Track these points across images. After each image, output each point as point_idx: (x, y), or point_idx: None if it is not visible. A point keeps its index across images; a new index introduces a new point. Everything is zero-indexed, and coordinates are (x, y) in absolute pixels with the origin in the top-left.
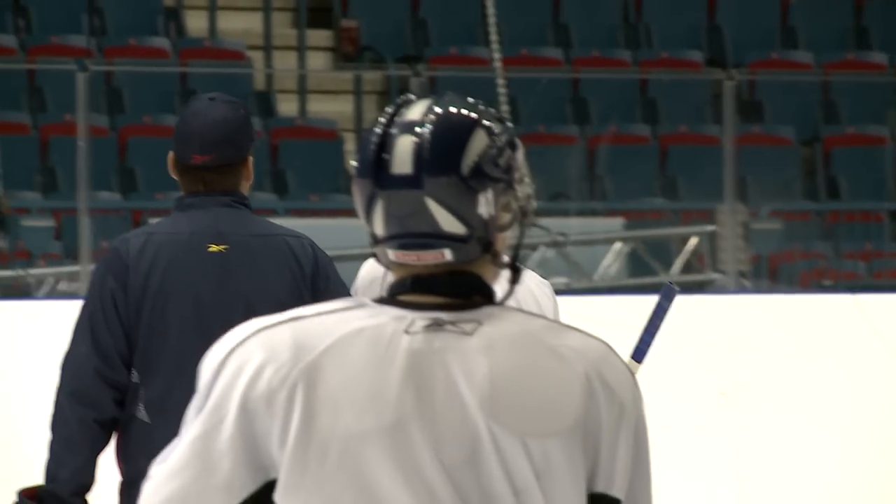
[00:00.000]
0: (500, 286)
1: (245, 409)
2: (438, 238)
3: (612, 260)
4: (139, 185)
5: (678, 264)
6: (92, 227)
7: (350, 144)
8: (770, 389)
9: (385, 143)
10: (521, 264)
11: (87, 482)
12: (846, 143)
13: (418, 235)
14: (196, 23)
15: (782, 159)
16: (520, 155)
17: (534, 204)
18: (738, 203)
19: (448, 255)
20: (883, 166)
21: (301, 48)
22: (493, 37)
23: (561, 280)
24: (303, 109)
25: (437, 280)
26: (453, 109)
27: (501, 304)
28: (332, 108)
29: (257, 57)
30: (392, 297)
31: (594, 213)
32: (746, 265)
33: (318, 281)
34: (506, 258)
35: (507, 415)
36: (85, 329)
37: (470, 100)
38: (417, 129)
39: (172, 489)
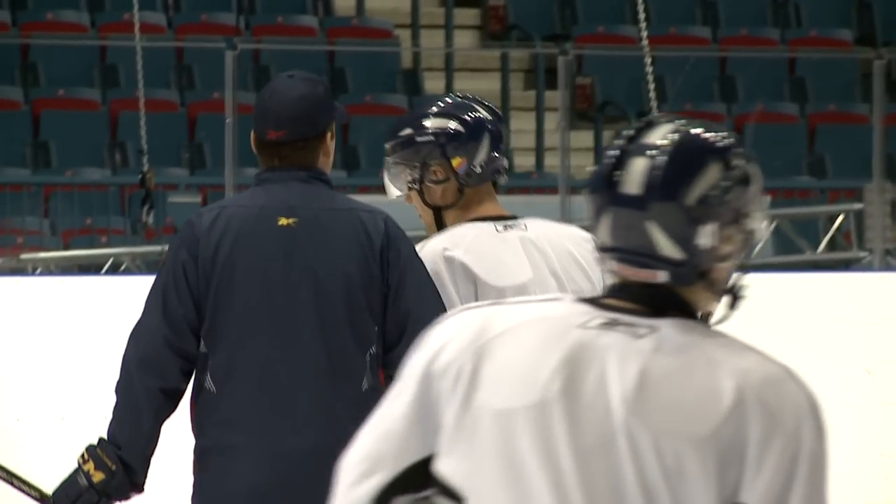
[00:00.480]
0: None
1: (425, 378)
2: (655, 259)
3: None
4: None
5: (825, 242)
6: None
7: None
8: None
9: (620, 161)
10: (741, 291)
11: (147, 449)
12: None
13: (637, 254)
14: (344, 1)
15: None
16: (754, 189)
17: (759, 235)
18: (887, 181)
19: (662, 276)
20: None
21: (448, 26)
22: (641, 15)
23: None
24: (449, 87)
25: (638, 288)
26: (694, 137)
27: (706, 322)
28: (478, 87)
29: (405, 35)
30: (595, 299)
31: None
32: (893, 243)
33: (387, 255)
34: (726, 284)
35: (647, 411)
36: (157, 299)
37: (716, 129)
38: (652, 153)
39: (360, 448)
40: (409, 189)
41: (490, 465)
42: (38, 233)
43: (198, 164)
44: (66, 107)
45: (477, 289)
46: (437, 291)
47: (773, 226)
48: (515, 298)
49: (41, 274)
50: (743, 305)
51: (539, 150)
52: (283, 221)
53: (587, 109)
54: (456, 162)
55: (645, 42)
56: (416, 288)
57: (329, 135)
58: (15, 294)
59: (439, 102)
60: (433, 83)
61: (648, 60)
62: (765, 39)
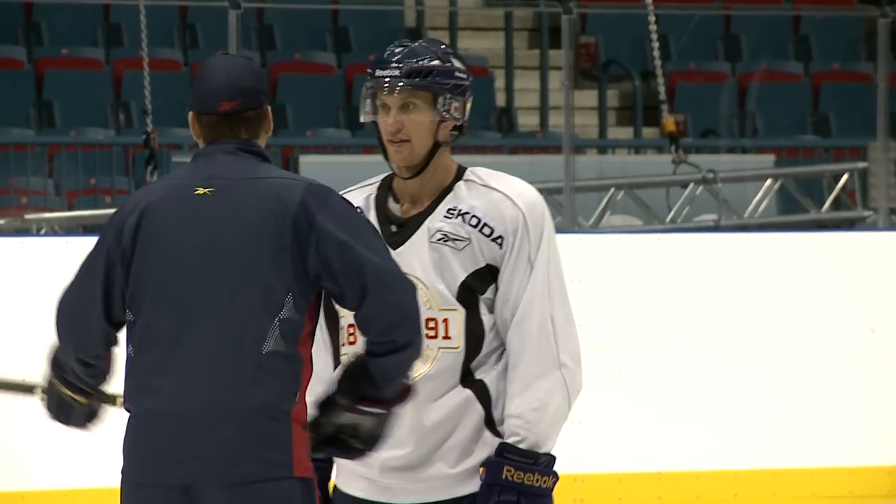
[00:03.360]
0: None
1: None
2: None
3: (762, 197)
4: (289, 122)
5: (829, 201)
6: None
7: (500, 82)
8: None
9: None
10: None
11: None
12: None
13: None
14: None
15: None
16: None
17: None
18: (891, 140)
19: None
20: None
21: None
22: None
23: (710, 217)
24: (453, 46)
25: None
26: None
27: None
28: (482, 46)
29: None
30: None
31: (744, 150)
32: None
33: (300, 224)
34: None
35: None
36: (83, 272)
37: None
38: None
39: None
40: (442, 118)
41: None
42: (42, 193)
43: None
44: (70, 66)
45: None
46: (372, 237)
47: (777, 185)
48: None
49: (45, 234)
50: (749, 265)
51: (543, 110)
52: (199, 191)
53: (591, 69)
54: (468, 106)
55: (649, 0)
56: (348, 248)
57: (267, 110)
58: (19, 254)
59: (444, 45)
60: None
61: (652, 19)
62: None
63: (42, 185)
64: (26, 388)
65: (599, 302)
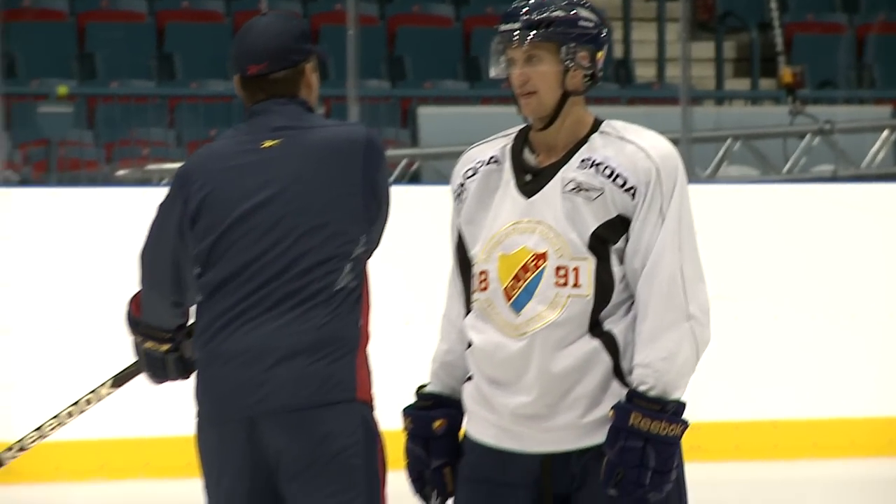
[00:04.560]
0: None
1: None
2: None
3: (879, 148)
4: (407, 73)
5: None
6: (360, 115)
7: (618, 33)
8: None
9: None
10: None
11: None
12: None
13: None
14: None
15: None
16: None
17: None
18: None
19: None
20: None
21: None
22: None
23: (828, 167)
24: None
25: None
26: None
27: None
28: None
29: None
30: None
31: (862, 101)
32: None
33: (368, 171)
34: None
35: None
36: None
37: None
38: None
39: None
40: (567, 68)
41: None
42: (163, 144)
43: (321, 76)
44: (190, 19)
45: None
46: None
47: (894, 136)
48: None
49: (166, 184)
50: (866, 215)
51: (661, 61)
52: (267, 144)
53: (708, 20)
54: (600, 55)
55: None
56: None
57: (309, 68)
58: (141, 204)
59: None
60: None
61: None
62: None
63: (163, 136)
64: (134, 369)
65: (716, 252)
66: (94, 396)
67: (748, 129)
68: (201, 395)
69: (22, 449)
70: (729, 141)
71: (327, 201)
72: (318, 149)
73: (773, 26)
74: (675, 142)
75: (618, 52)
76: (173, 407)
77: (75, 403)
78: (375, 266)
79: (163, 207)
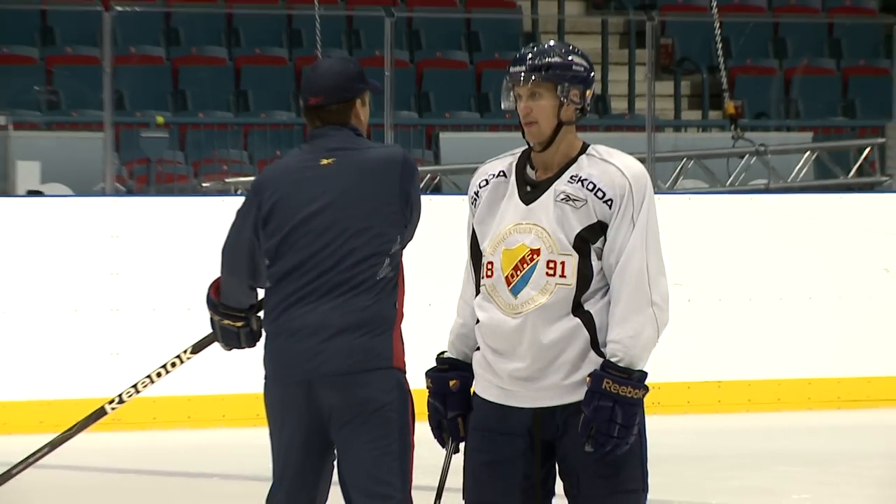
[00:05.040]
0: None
1: None
2: None
3: (802, 165)
4: (431, 106)
5: (854, 169)
6: (394, 139)
7: (597, 75)
8: None
9: None
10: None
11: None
12: None
13: None
14: None
15: None
16: None
17: None
18: None
19: None
20: None
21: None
22: None
23: (762, 181)
24: None
25: None
26: None
27: None
28: (583, 46)
29: (525, 6)
30: None
31: (789, 128)
32: None
33: (404, 185)
34: None
35: None
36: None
37: None
38: None
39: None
40: (562, 102)
41: None
42: (238, 162)
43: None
44: (261, 62)
45: None
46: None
47: (814, 156)
48: None
49: (242, 194)
50: (789, 219)
51: (631, 97)
52: (324, 161)
53: (668, 64)
54: (588, 93)
55: (714, 11)
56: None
57: (359, 102)
58: (221, 210)
59: (570, 46)
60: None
61: (717, 25)
62: (810, 8)
63: (239, 156)
64: (209, 339)
65: (674, 248)
66: (177, 360)
67: (699, 151)
68: (269, 361)
69: (121, 401)
70: (684, 160)
71: (371, 209)
72: (364, 166)
73: (719, 69)
74: (642, 160)
75: (597, 89)
76: (245, 369)
77: (163, 366)
78: (407, 260)
79: (241, 211)
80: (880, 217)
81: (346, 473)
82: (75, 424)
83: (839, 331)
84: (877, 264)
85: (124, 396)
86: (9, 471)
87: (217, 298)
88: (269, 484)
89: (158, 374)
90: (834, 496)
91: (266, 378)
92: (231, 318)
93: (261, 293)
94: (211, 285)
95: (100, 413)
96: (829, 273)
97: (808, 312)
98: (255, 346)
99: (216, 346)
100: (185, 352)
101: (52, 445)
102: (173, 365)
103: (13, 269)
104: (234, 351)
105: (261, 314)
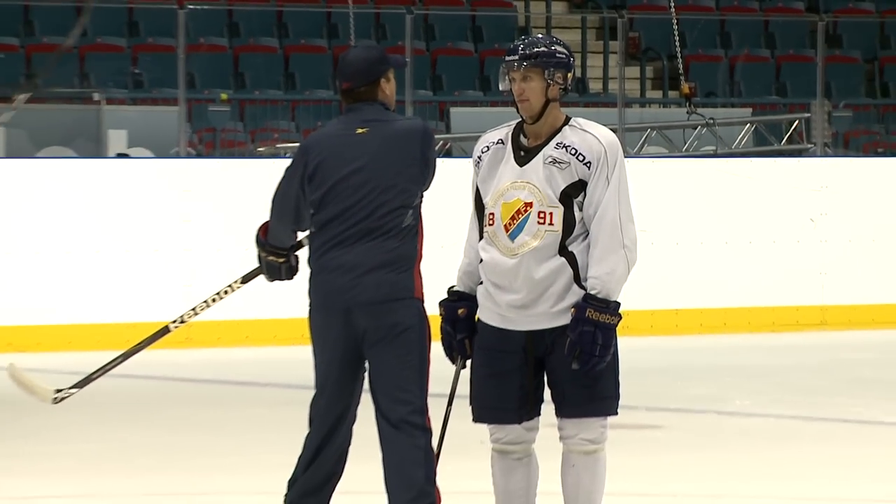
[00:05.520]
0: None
1: None
2: None
3: (743, 135)
4: (444, 86)
5: (786, 138)
6: (414, 113)
7: (578, 61)
8: (845, 218)
9: None
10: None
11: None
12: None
13: None
14: None
15: (853, 72)
16: None
17: None
18: (825, 99)
19: None
20: None
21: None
22: None
23: (710, 148)
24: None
25: None
26: None
27: None
28: (567, 38)
29: (520, 6)
30: None
31: (733, 105)
32: (829, 139)
33: (424, 149)
34: None
35: None
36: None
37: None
38: None
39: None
40: (548, 84)
41: None
42: (287, 131)
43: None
44: (305, 50)
45: None
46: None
47: (752, 128)
48: None
49: (288, 156)
50: (732, 178)
51: (605, 79)
52: (359, 130)
53: (635, 53)
54: (569, 75)
55: (673, 9)
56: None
57: (383, 80)
58: (272, 169)
59: (554, 38)
60: None
61: (675, 22)
62: (750, 8)
63: (287, 126)
64: (255, 272)
65: (640, 201)
66: (228, 289)
67: (660, 123)
68: (313, 293)
69: (182, 321)
70: (648, 131)
71: (397, 170)
72: (391, 135)
73: (676, 57)
74: (614, 130)
75: (577, 73)
76: (293, 298)
77: (217, 293)
78: (425, 211)
79: (289, 169)
80: (806, 177)
81: (375, 383)
82: (143, 339)
83: (774, 268)
84: (804, 215)
85: (185, 317)
86: (88, 376)
87: (265, 238)
88: (313, 392)
89: (213, 300)
90: (768, 402)
91: (310, 306)
92: (275, 255)
93: (300, 236)
94: (260, 227)
95: (164, 331)
96: (765, 222)
97: (749, 254)
98: (293, 279)
99: (261, 278)
100: (235, 282)
101: (125, 356)
102: (225, 293)
103: (105, 217)
104: (277, 283)
105: (298, 253)
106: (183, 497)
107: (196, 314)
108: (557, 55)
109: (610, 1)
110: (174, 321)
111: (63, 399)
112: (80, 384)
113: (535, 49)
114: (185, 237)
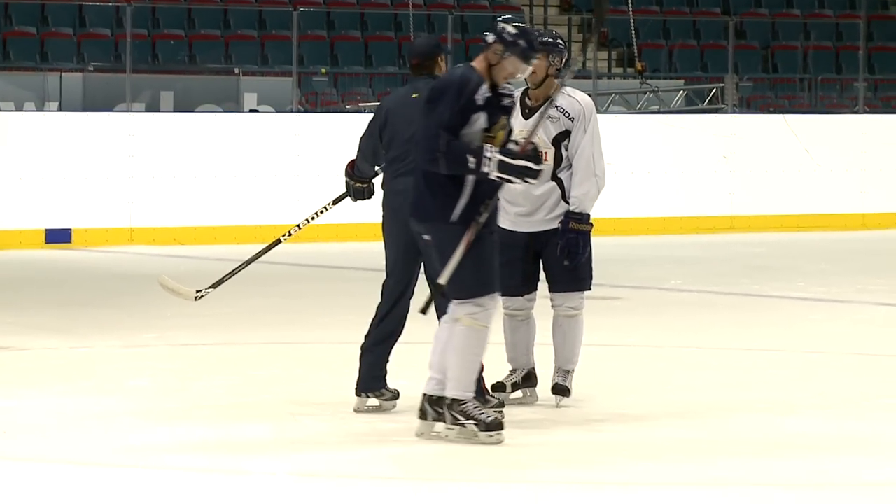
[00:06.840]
0: None
1: None
2: None
3: (678, 99)
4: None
5: (707, 100)
6: None
7: None
8: (750, 151)
9: None
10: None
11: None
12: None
13: None
14: None
15: (754, 56)
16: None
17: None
18: (734, 74)
19: None
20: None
21: (545, 6)
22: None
23: (655, 107)
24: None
25: None
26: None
27: None
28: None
29: (525, 9)
30: None
31: (671, 78)
32: (737, 102)
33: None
34: None
35: None
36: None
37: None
38: None
39: None
40: (549, 64)
41: None
42: (366, 95)
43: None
44: (379, 39)
45: None
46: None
47: (685, 93)
48: None
49: (369, 112)
50: (671, 128)
51: (584, 60)
52: (414, 95)
53: (604, 42)
54: (564, 58)
55: (630, 12)
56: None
57: (439, 59)
58: (357, 122)
59: (554, 32)
60: None
61: (632, 21)
62: (682, 11)
63: (367, 91)
64: (343, 195)
65: (607, 144)
66: (324, 209)
67: (621, 90)
68: (385, 207)
69: (290, 234)
70: (613, 95)
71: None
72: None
73: (633, 45)
74: (589, 95)
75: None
76: (372, 209)
77: (315, 212)
78: None
79: (371, 122)
80: (721, 127)
81: (429, 271)
82: (263, 248)
83: (697, 189)
84: (718, 153)
85: (292, 231)
86: (220, 279)
87: (351, 170)
88: (384, 275)
89: (313, 217)
90: (694, 281)
91: (383, 216)
92: (360, 182)
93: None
94: (348, 163)
95: (276, 242)
96: (692, 158)
97: (681, 180)
98: (371, 199)
99: (348, 200)
100: (329, 202)
101: (248, 262)
102: (322, 211)
103: (241, 155)
104: (360, 202)
105: (375, 181)
106: (291, 346)
107: (300, 228)
108: (558, 45)
109: (588, 5)
110: (284, 234)
111: (202, 297)
112: (215, 285)
113: (545, 40)
114: (296, 166)
